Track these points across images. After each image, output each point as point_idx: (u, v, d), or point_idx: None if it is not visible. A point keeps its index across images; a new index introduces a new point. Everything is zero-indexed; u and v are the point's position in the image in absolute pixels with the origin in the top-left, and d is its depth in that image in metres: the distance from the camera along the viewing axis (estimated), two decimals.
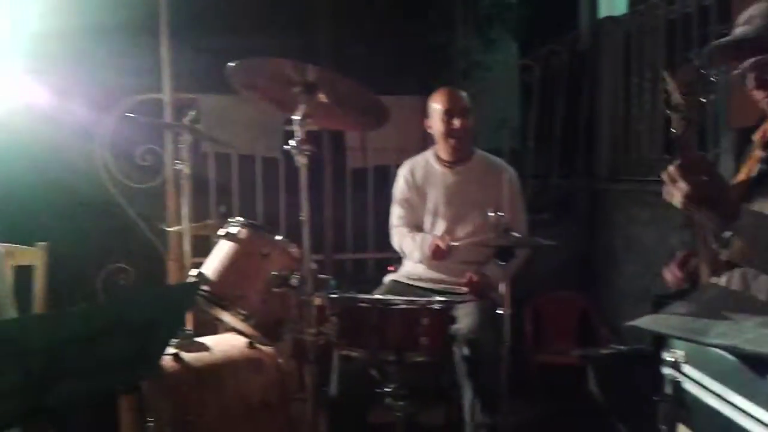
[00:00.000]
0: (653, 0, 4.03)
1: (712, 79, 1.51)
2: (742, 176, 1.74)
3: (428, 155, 3.03)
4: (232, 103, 3.71)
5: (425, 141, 3.15)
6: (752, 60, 1.63)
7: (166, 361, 2.22)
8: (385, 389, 2.25)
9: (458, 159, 2.94)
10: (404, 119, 3.93)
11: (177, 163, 2.98)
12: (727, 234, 1.44)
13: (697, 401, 1.21)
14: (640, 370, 1.56)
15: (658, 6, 3.96)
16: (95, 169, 3.76)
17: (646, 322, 1.31)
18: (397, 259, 3.15)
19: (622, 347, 2.31)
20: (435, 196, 2.95)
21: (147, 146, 3.68)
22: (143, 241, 3.74)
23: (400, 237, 2.98)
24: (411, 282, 2.91)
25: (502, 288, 2.32)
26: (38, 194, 3.59)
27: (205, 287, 2.26)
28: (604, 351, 2.51)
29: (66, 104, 3.63)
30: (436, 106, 2.92)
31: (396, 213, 3.05)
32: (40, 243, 2.47)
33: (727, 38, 1.70)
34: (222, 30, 4.00)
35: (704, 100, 1.50)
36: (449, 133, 2.87)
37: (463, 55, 5.06)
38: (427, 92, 3.08)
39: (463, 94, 2.96)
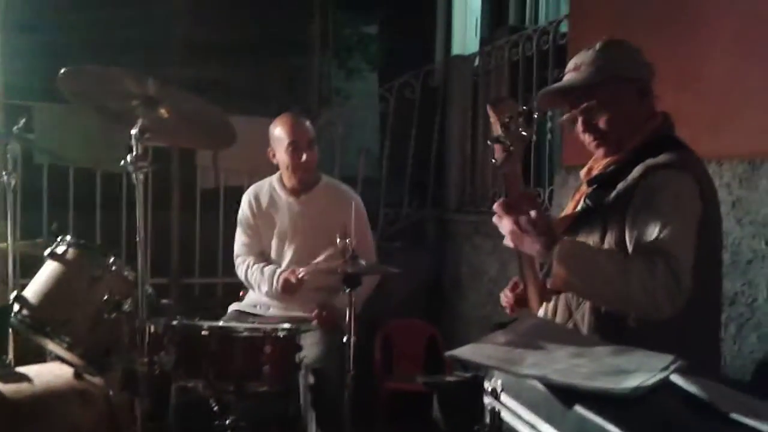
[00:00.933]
0: (498, 42, 4.30)
1: (534, 115, 1.61)
2: (569, 210, 1.86)
3: (273, 180, 2.95)
4: (72, 113, 3.46)
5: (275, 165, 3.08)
6: (582, 107, 1.74)
7: None
8: (225, 422, 2.15)
9: (304, 187, 2.88)
10: (259, 141, 3.86)
11: (3, 174, 2.74)
12: (548, 262, 1.53)
13: (512, 430, 1.24)
14: (474, 399, 1.59)
15: (502, 48, 4.23)
16: None
17: (466, 351, 1.34)
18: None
19: (465, 374, 2.37)
20: (281, 223, 2.87)
21: None
22: None
23: (246, 268, 2.88)
24: (255, 311, 2.82)
25: (348, 315, 2.30)
26: None
27: (25, 311, 2.06)
28: (448, 378, 2.57)
29: None
30: (281, 136, 2.80)
31: (240, 240, 2.94)
32: None
33: (557, 84, 1.82)
34: (63, 35, 3.74)
35: (526, 134, 1.60)
36: (295, 166, 2.79)
37: (323, 81, 5.09)
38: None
39: (308, 123, 2.87)
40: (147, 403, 2.02)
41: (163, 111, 2.03)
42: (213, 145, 2.57)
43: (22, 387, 2.22)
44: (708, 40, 2.68)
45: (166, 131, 2.15)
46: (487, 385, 1.33)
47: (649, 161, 1.65)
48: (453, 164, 4.64)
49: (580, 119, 1.75)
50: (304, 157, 2.77)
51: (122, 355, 2.14)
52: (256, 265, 2.83)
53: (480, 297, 4.07)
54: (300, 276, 2.65)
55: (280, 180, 2.91)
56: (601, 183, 1.74)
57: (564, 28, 3.75)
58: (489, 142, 1.65)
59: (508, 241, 1.62)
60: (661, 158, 1.64)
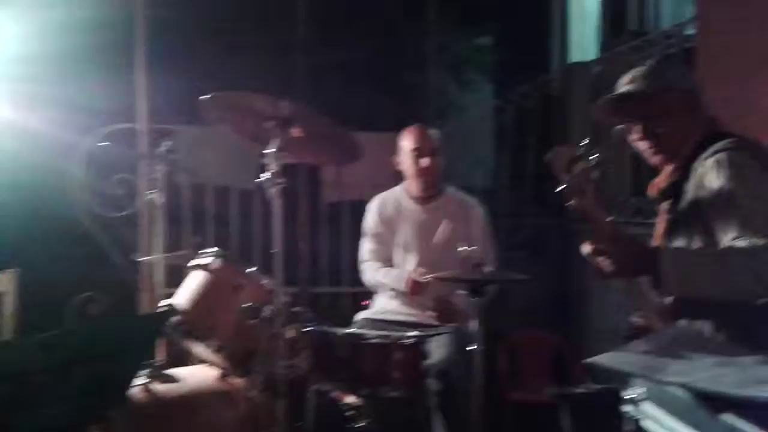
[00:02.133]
0: (619, 48, 4.18)
1: (591, 156, 1.68)
2: (659, 231, 1.86)
3: (399, 191, 3.06)
4: (209, 135, 3.72)
5: (399, 177, 3.18)
6: (639, 115, 1.82)
7: (137, 392, 2.19)
8: (359, 425, 2.23)
9: (429, 195, 2.97)
10: (379, 155, 3.95)
11: (151, 192, 2.98)
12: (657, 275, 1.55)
13: None
14: (610, 409, 1.59)
15: (623, 53, 4.11)
16: (69, 196, 3.73)
17: (606, 359, 1.35)
18: (372, 294, 3.14)
19: (595, 386, 2.34)
20: (405, 232, 2.96)
21: (121, 175, 3.66)
22: (115, 270, 3.70)
23: (372, 272, 2.98)
24: (383, 318, 2.90)
25: (474, 324, 2.32)
26: (13, 218, 3.54)
27: (176, 318, 2.24)
28: (578, 390, 2.54)
29: (43, 128, 3.62)
30: (406, 144, 2.95)
31: (366, 247, 3.05)
32: (9, 270, 2.44)
33: (612, 95, 1.87)
34: (200, 61, 4.04)
35: (590, 167, 1.66)
36: (418, 171, 2.91)
37: (438, 95, 5.15)
38: (402, 130, 3.12)
39: (433, 132, 2.99)
40: (286, 404, 2.14)
41: (295, 130, 2.16)
42: (341, 160, 2.70)
43: (173, 387, 2.39)
44: None
45: (299, 149, 2.29)
46: (627, 394, 1.32)
47: (705, 155, 1.71)
48: None
49: (637, 128, 1.83)
50: (426, 162, 2.87)
51: (263, 359, 2.26)
52: (383, 269, 2.93)
53: (609, 307, 3.96)
54: (426, 278, 2.71)
55: (406, 189, 3.01)
56: (672, 193, 1.80)
57: (690, 30, 3.61)
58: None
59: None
60: (717, 146, 1.70)
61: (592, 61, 4.67)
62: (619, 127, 1.91)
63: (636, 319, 1.91)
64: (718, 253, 1.58)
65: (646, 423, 1.28)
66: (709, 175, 1.67)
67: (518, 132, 4.70)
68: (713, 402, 1.10)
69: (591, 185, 1.73)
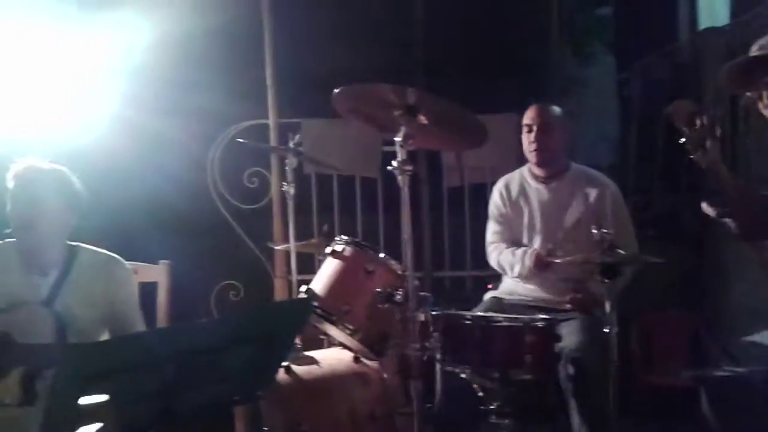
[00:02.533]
0: (757, 9, 3.89)
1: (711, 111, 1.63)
2: None
3: (523, 171, 3.03)
4: (332, 127, 3.85)
5: (521, 159, 3.15)
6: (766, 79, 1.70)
7: (279, 373, 2.33)
8: (490, 407, 2.26)
9: (551, 174, 2.92)
10: (500, 137, 3.92)
11: (283, 184, 3.14)
12: None
13: None
14: (758, 393, 1.52)
15: (761, 15, 3.81)
16: (206, 191, 3.99)
17: (765, 337, 1.30)
18: (495, 277, 3.14)
19: (738, 369, 2.23)
20: (530, 212, 2.93)
21: (254, 169, 3.88)
22: (251, 259, 3.93)
23: (497, 252, 2.98)
24: (511, 299, 2.90)
25: (608, 306, 2.28)
26: (152, 216, 3.84)
27: (314, 302, 2.36)
28: (719, 373, 2.43)
29: (177, 131, 3.89)
30: (522, 121, 2.95)
31: (492, 229, 3.05)
32: (162, 261, 2.65)
33: (739, 59, 1.79)
34: (321, 57, 4.16)
35: (712, 122, 1.61)
36: (528, 148, 2.90)
37: (559, 71, 5.02)
38: (522, 110, 3.08)
39: (552, 109, 2.94)
40: (417, 386, 2.21)
41: (421, 117, 2.20)
42: (467, 145, 2.73)
43: (312, 369, 2.52)
44: None
45: (424, 136, 2.33)
46: None
47: None
48: None
49: (765, 93, 1.74)
50: (533, 137, 2.83)
51: (395, 342, 2.34)
52: (508, 249, 2.93)
53: (747, 285, 3.73)
54: (556, 260, 2.68)
55: (529, 169, 2.99)
56: None
57: None
58: (687, 148, 1.72)
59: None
60: None
61: (724, 26, 4.37)
62: (749, 94, 1.83)
63: None
64: None
65: None
66: None
67: (645, 104, 4.50)
68: None
69: (714, 140, 1.67)
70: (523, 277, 2.86)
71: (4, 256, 2.16)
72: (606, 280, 2.26)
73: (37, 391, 1.95)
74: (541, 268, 2.75)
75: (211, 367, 1.56)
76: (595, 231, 2.27)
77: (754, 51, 1.78)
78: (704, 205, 1.66)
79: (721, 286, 4.01)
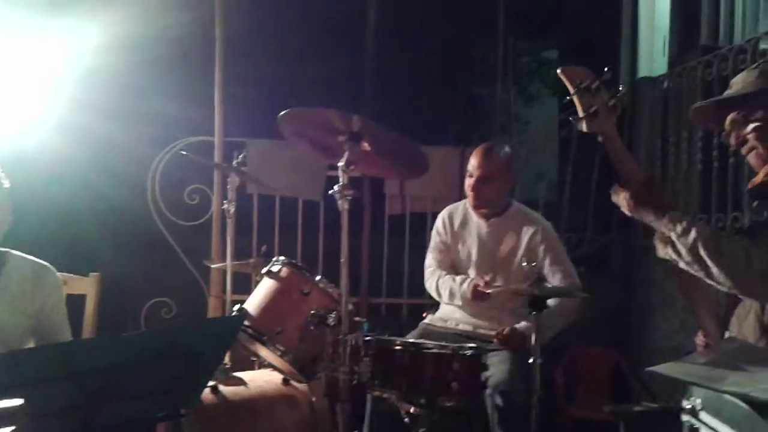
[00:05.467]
0: (691, 63, 4.12)
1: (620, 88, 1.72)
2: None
3: (467, 203, 3.10)
4: (278, 148, 3.86)
5: (463, 191, 3.23)
6: (728, 118, 1.78)
7: (205, 393, 2.31)
8: None
9: (491, 213, 3.00)
10: (443, 169, 4.04)
11: (224, 202, 3.13)
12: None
13: None
14: (668, 428, 1.59)
15: (695, 68, 4.04)
16: (146, 204, 3.93)
17: (666, 368, 1.37)
18: (430, 306, 3.19)
19: (653, 405, 2.32)
20: (469, 245, 3.01)
21: (195, 186, 3.85)
22: (187, 276, 3.88)
23: (437, 278, 3.03)
24: (445, 326, 2.95)
25: (533, 338, 2.35)
26: (91, 224, 3.76)
27: (246, 322, 2.35)
28: (636, 408, 2.52)
29: (122, 137, 3.84)
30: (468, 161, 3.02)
31: (432, 255, 3.11)
32: (92, 273, 2.60)
33: (707, 101, 1.88)
34: (271, 77, 4.19)
35: (612, 103, 1.71)
36: (467, 189, 2.97)
37: (504, 109, 5.17)
38: (465, 144, 3.16)
39: (494, 156, 2.92)
40: (346, 409, 2.22)
41: (365, 144, 2.25)
42: (408, 174, 2.78)
43: (239, 390, 2.51)
44: None
45: (367, 162, 2.37)
46: (686, 404, 1.34)
47: None
48: None
49: (733, 134, 1.81)
50: (472, 184, 2.91)
51: (325, 365, 2.34)
52: (447, 275, 2.99)
53: (671, 326, 3.89)
54: (489, 290, 2.74)
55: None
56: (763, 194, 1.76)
57: (764, 45, 3.53)
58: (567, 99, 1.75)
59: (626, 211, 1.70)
60: None
61: (661, 76, 4.60)
62: (723, 133, 1.88)
63: (699, 340, 1.90)
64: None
65: None
66: None
67: (582, 146, 4.66)
68: None
69: (607, 111, 1.71)
70: (460, 304, 2.92)
71: None
72: (533, 312, 2.33)
73: None
74: (479, 298, 2.81)
75: (135, 381, 1.54)
76: (524, 264, 2.34)
77: (735, 85, 1.83)
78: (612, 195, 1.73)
79: (646, 325, 4.16)
